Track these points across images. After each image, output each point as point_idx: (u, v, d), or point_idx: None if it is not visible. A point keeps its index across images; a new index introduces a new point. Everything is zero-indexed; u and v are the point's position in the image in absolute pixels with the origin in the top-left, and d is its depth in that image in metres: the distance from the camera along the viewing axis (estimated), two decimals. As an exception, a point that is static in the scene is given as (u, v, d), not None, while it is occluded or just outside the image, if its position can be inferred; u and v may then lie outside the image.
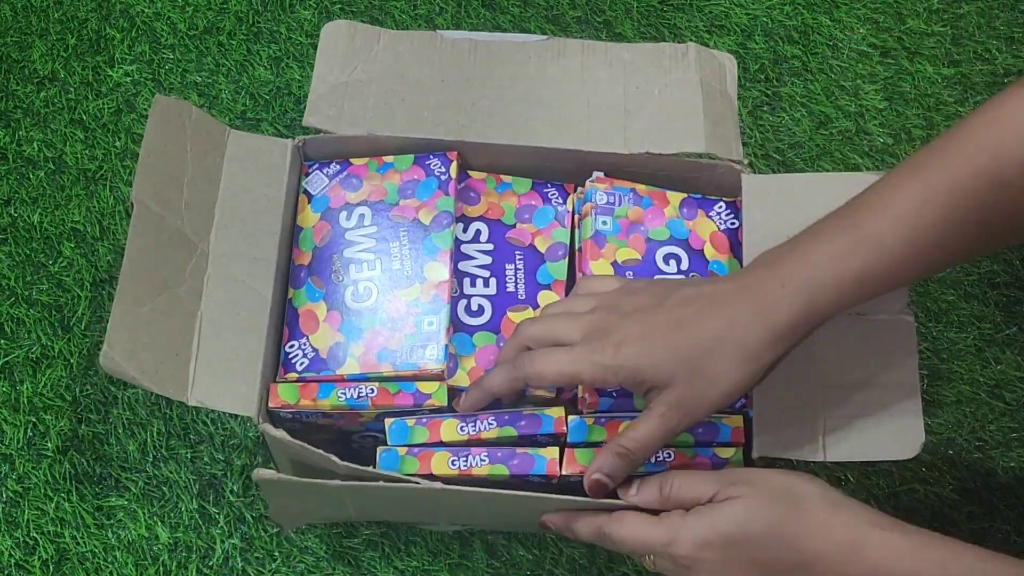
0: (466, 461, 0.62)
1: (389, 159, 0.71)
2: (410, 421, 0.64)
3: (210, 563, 0.80)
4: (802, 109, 1.00)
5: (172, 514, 0.81)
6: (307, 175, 0.70)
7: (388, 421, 0.64)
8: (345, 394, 0.65)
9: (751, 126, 0.99)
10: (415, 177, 0.71)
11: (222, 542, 0.80)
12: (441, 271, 0.68)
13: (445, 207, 0.69)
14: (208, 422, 0.84)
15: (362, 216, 0.70)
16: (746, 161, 0.71)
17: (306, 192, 0.70)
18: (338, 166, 0.70)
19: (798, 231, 0.60)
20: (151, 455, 0.83)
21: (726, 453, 0.63)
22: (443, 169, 0.71)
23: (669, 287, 0.60)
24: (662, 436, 0.57)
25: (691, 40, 1.01)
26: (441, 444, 0.63)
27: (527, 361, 0.59)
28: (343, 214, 0.70)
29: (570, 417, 0.64)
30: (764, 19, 1.05)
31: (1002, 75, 1.02)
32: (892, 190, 0.56)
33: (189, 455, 0.83)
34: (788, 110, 1.00)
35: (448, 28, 1.03)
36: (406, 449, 0.63)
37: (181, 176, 0.66)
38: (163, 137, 0.66)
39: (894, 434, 0.62)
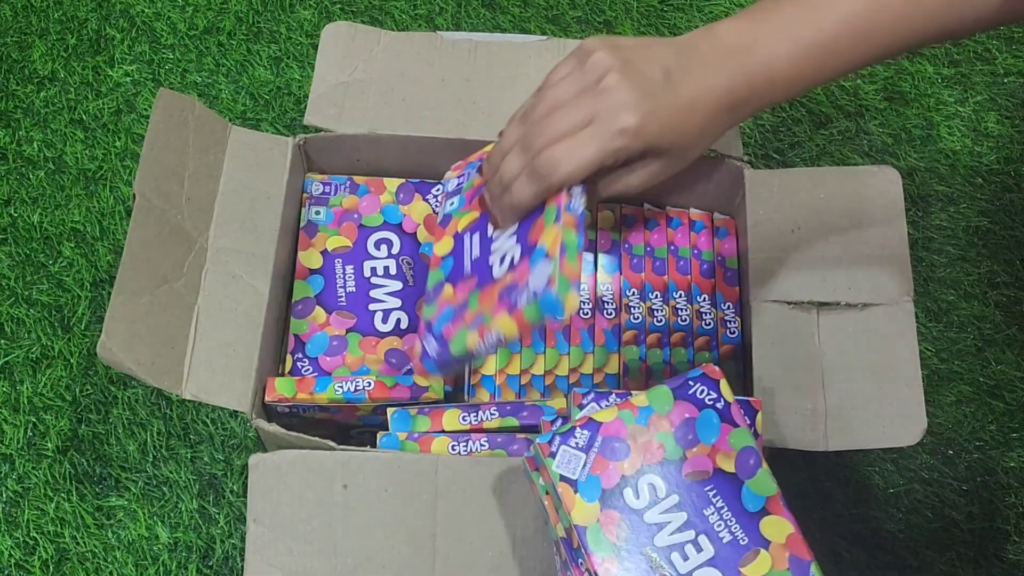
0: (466, 446, 0.62)
1: (642, 400, 0.56)
2: (412, 411, 0.64)
3: (210, 563, 0.80)
4: (802, 109, 1.00)
5: (172, 514, 0.81)
6: (552, 455, 0.54)
7: (391, 410, 0.64)
8: (342, 387, 0.65)
9: (751, 126, 0.99)
10: (687, 415, 0.55)
11: (222, 542, 0.80)
12: (783, 526, 0.53)
13: (744, 442, 0.55)
14: (208, 422, 0.84)
15: (653, 488, 0.54)
16: (746, 159, 0.71)
17: (565, 479, 0.54)
18: (586, 433, 0.54)
19: (802, 226, 0.62)
20: (151, 455, 0.83)
21: None
22: (712, 394, 0.56)
23: (637, 57, 0.56)
24: (647, 184, 0.58)
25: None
26: (443, 432, 0.64)
27: (549, 165, 0.55)
28: (628, 493, 0.54)
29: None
30: (764, 19, 1.05)
31: (1002, 75, 1.02)
32: None
33: (189, 455, 0.83)
34: (788, 110, 1.00)
35: (448, 28, 1.03)
36: (406, 435, 0.63)
37: (182, 170, 0.66)
38: (166, 131, 0.66)
39: (896, 422, 0.63)
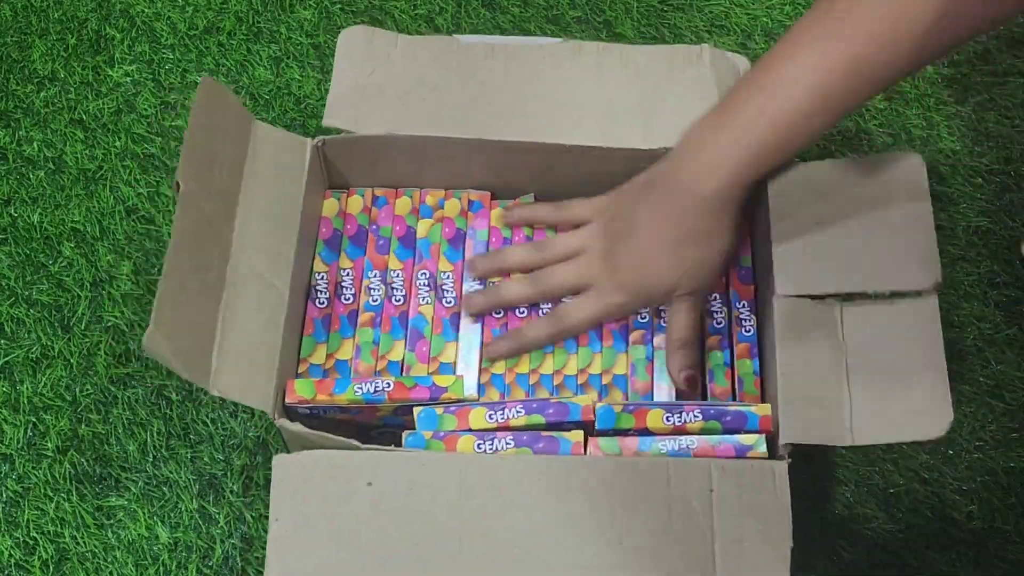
0: (492, 444, 0.63)
1: None
2: (439, 409, 0.64)
3: (210, 563, 0.80)
4: (802, 109, 1.00)
5: (172, 514, 0.81)
6: None
7: (417, 410, 0.64)
8: (362, 388, 0.65)
9: (751, 126, 0.99)
10: None
11: (222, 542, 0.80)
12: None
13: None
14: (208, 422, 0.84)
15: None
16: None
17: None
18: None
19: (824, 218, 0.66)
20: (151, 455, 0.83)
21: (749, 440, 0.63)
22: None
23: (627, 204, 0.69)
24: (695, 318, 0.69)
25: (691, 41, 1.01)
26: (469, 430, 0.64)
27: (563, 318, 0.70)
28: None
29: (597, 405, 0.64)
30: (764, 19, 1.05)
31: (1002, 75, 1.02)
32: (789, 65, 0.62)
33: (189, 455, 0.83)
34: (788, 110, 1.00)
35: (447, 28, 1.03)
36: (432, 433, 0.63)
37: (215, 161, 0.65)
38: (206, 119, 0.65)
39: (921, 414, 0.62)
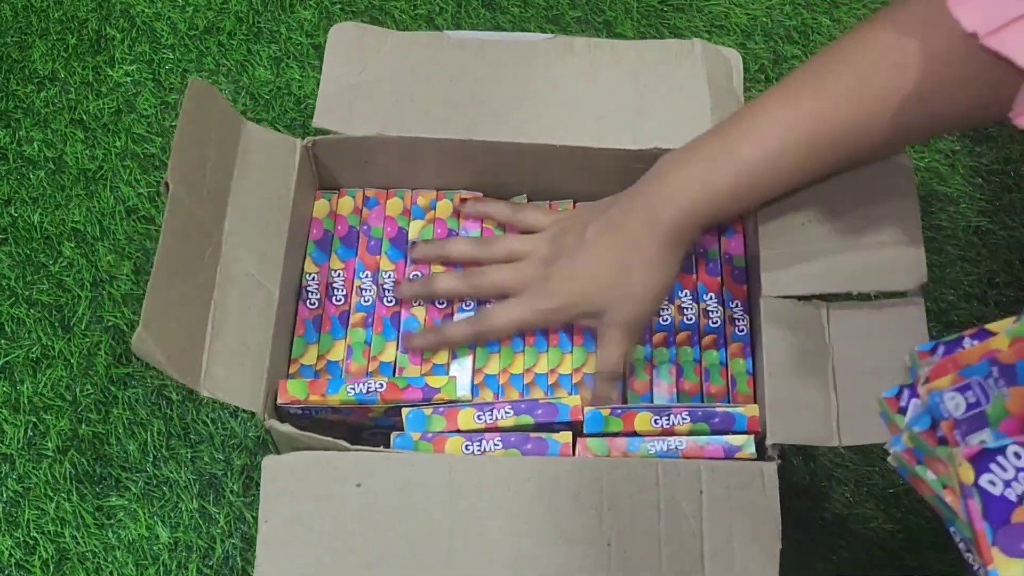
0: (480, 446, 0.63)
1: None
2: (427, 410, 0.64)
3: (210, 563, 0.80)
4: (802, 109, 1.00)
5: (172, 514, 0.81)
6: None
7: (405, 411, 0.64)
8: (354, 389, 0.65)
9: (751, 126, 0.99)
10: None
11: (222, 542, 0.80)
12: None
13: None
14: (208, 422, 0.85)
15: None
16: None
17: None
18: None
19: (812, 220, 0.64)
20: (151, 455, 0.83)
21: (738, 441, 0.63)
22: None
23: (583, 220, 0.68)
24: (625, 351, 0.68)
25: (691, 40, 1.00)
26: (457, 431, 0.64)
27: (485, 318, 0.69)
28: None
29: (586, 408, 0.64)
30: (764, 19, 1.05)
31: (1002, 75, 1.02)
32: (762, 113, 0.63)
33: (189, 455, 0.83)
34: (788, 110, 1.00)
35: (448, 28, 1.03)
36: (420, 435, 0.63)
37: (205, 163, 0.65)
38: (195, 121, 0.65)
39: None
